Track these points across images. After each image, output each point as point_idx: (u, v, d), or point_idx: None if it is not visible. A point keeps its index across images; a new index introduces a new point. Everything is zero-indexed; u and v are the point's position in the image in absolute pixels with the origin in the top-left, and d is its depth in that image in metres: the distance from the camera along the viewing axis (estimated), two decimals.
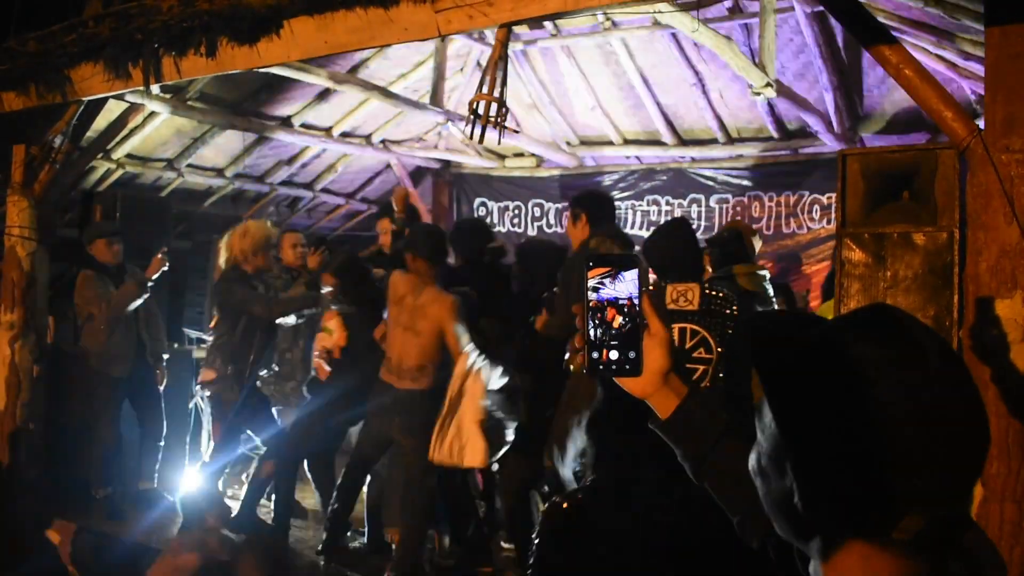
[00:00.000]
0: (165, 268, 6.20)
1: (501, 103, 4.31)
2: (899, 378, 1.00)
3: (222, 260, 6.06)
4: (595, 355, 1.43)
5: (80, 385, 6.22)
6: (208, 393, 6.14)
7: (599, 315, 1.43)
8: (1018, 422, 3.05)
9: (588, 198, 5.18)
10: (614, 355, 1.43)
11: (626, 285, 1.43)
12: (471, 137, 4.34)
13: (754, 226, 8.03)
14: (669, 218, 8.37)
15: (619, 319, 1.42)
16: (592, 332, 1.43)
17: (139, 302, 6.19)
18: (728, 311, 4.38)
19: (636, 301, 1.43)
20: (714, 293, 4.43)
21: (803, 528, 1.07)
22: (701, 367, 4.14)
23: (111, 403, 6.24)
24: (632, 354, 1.43)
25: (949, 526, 1.01)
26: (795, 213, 7.94)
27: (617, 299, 1.43)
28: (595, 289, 1.43)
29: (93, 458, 6.14)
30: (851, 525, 1.02)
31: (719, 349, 4.34)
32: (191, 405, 6.91)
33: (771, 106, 7.50)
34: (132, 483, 6.40)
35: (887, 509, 0.99)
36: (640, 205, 8.69)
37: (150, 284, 6.19)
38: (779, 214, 8.02)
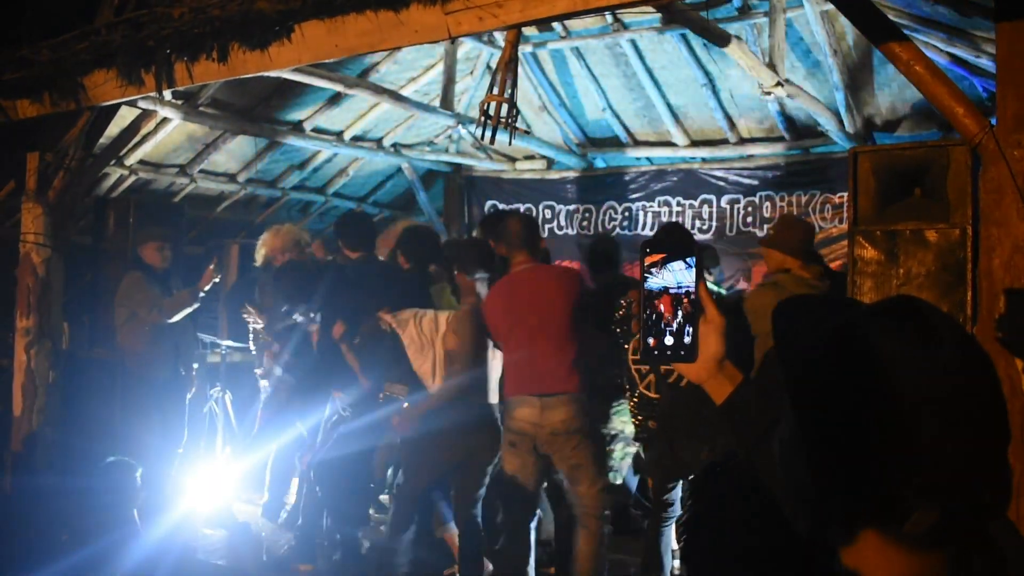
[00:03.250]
0: (217, 280, 6.25)
1: (512, 104, 4.32)
2: (912, 371, 0.99)
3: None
4: (650, 340, 1.43)
5: (106, 390, 6.25)
6: None
7: (656, 301, 1.43)
8: None
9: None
10: (669, 341, 1.42)
11: (683, 270, 1.43)
12: (482, 138, 4.36)
13: (766, 226, 8.03)
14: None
15: (675, 305, 1.42)
16: (648, 318, 1.43)
17: (189, 311, 6.25)
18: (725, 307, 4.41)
19: (692, 287, 1.42)
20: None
21: (821, 519, 1.08)
22: None
23: (145, 406, 6.26)
24: (688, 340, 1.42)
25: (967, 519, 1.00)
26: (807, 213, 7.90)
27: (673, 285, 1.43)
28: (652, 275, 1.43)
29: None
30: (863, 518, 1.02)
31: None
32: (206, 409, 6.94)
33: (781, 106, 7.49)
34: (152, 486, 6.42)
35: (898, 503, 0.98)
36: (651, 206, 8.67)
37: (202, 295, 6.23)
38: (791, 214, 7.99)
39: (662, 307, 1.43)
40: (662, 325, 1.43)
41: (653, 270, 1.44)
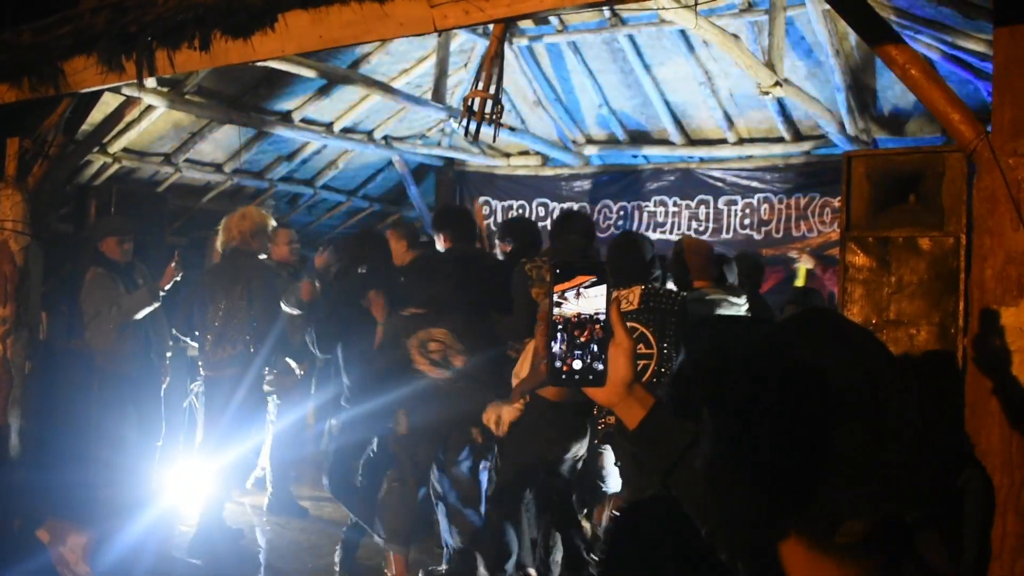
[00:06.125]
0: (178, 278, 6.11)
1: (496, 100, 4.25)
2: (835, 384, 0.99)
3: (220, 244, 6.03)
4: (558, 364, 1.40)
5: (83, 382, 6.16)
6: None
7: (564, 324, 1.40)
8: (1020, 433, 2.95)
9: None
10: (577, 365, 1.40)
11: (592, 294, 1.40)
12: (466, 133, 4.30)
13: (763, 228, 7.94)
14: (672, 226, 8.33)
15: (584, 329, 1.40)
16: (556, 342, 1.40)
17: (149, 310, 6.11)
18: (669, 307, 4.32)
19: (602, 310, 1.40)
20: (656, 292, 4.37)
21: (747, 536, 1.09)
22: (642, 362, 4.10)
23: (118, 402, 6.17)
24: (597, 365, 1.40)
25: (897, 528, 1.01)
26: (805, 216, 7.83)
27: (584, 310, 1.40)
28: (560, 298, 1.40)
29: (100, 457, 6.06)
30: (792, 532, 1.02)
31: (661, 344, 4.28)
32: (186, 403, 6.84)
33: (782, 106, 7.39)
34: (129, 482, 6.33)
35: (827, 514, 0.99)
36: (647, 206, 8.59)
37: (162, 293, 6.11)
38: (789, 216, 7.92)
39: (573, 332, 1.40)
40: (572, 350, 1.40)
41: (564, 294, 1.40)
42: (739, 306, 5.11)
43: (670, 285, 5.20)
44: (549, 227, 5.66)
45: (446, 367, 4.82)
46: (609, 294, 1.41)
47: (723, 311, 5.03)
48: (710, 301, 5.04)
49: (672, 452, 1.45)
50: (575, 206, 8.63)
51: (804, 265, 7.18)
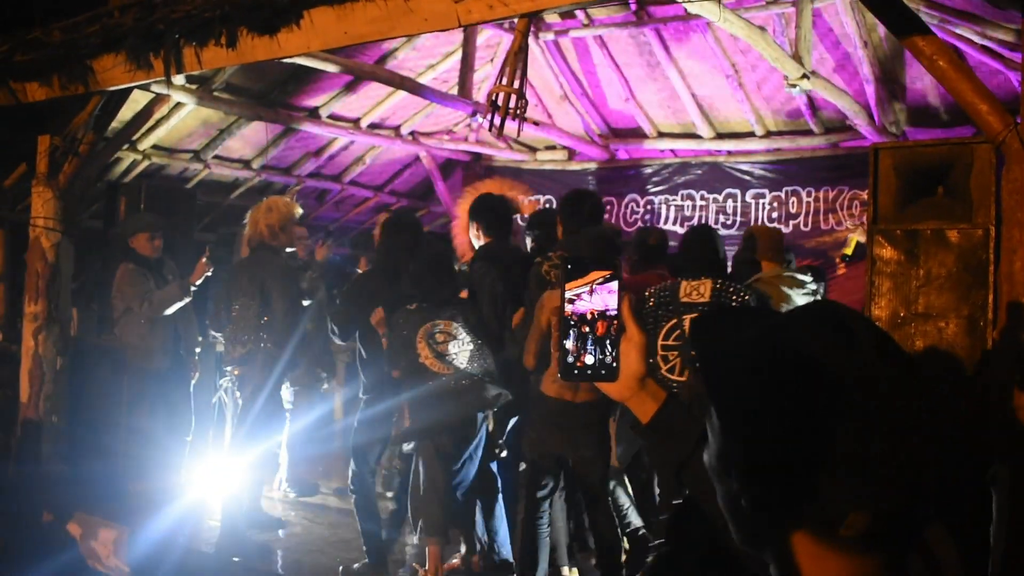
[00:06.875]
0: (209, 273, 6.13)
1: (520, 95, 4.23)
2: (834, 376, 0.99)
3: (247, 237, 5.98)
4: (569, 360, 1.41)
5: (113, 377, 6.21)
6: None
7: (576, 318, 1.41)
8: None
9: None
10: (589, 360, 1.41)
11: (604, 288, 1.41)
12: (490, 128, 4.29)
13: (791, 222, 7.87)
14: (699, 220, 8.28)
15: (596, 324, 1.41)
16: (568, 336, 1.41)
17: (180, 305, 6.15)
18: (739, 301, 4.28)
19: (614, 304, 1.41)
20: (727, 287, 4.34)
21: (753, 529, 1.07)
22: None
23: (148, 397, 6.22)
24: (609, 360, 1.41)
25: (902, 522, 1.00)
26: (834, 209, 7.74)
27: (597, 307, 1.41)
28: (573, 294, 1.42)
29: (130, 452, 6.10)
30: (796, 525, 1.01)
31: None
32: (215, 399, 6.87)
33: (810, 99, 7.30)
34: (158, 477, 6.38)
35: (830, 507, 0.98)
36: (674, 200, 8.53)
37: (193, 288, 6.14)
38: (817, 210, 7.83)
39: (584, 328, 1.40)
40: (584, 345, 1.41)
41: (577, 293, 1.41)
42: (808, 285, 5.19)
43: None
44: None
45: (449, 362, 4.83)
46: (621, 289, 1.41)
47: (793, 291, 5.09)
48: (780, 280, 5.16)
49: (684, 447, 1.45)
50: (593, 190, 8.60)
51: (856, 236, 7.23)
